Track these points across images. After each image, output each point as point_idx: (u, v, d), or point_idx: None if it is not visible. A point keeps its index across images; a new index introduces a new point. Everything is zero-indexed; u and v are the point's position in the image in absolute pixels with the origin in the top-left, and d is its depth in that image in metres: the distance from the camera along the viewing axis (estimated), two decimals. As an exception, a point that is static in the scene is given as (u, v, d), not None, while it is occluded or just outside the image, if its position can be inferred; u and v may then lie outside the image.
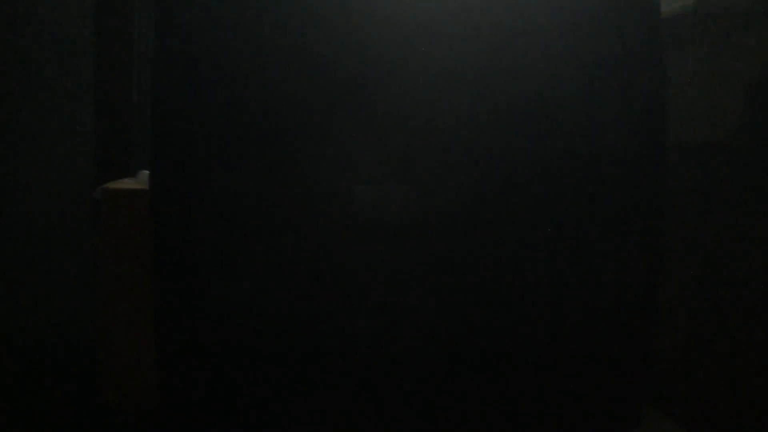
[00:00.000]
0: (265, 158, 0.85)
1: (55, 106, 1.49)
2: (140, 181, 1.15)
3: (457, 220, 0.88)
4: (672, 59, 1.13)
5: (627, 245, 0.93)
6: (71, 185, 1.49)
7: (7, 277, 1.46)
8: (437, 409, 0.90)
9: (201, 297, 0.86)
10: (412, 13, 0.86)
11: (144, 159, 1.49)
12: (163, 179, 0.86)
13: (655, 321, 0.97)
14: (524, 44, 0.88)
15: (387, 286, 0.88)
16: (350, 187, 0.86)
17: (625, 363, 0.95)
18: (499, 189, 0.89)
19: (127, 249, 1.08)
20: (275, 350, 0.88)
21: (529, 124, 0.89)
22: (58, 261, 1.48)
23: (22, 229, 1.47)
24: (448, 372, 0.90)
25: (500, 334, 0.90)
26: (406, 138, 0.87)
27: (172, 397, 0.89)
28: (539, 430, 0.93)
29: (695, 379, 1.11)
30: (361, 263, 0.88)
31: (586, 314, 0.92)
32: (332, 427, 0.89)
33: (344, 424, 0.89)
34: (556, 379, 0.92)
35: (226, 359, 0.88)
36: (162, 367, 0.88)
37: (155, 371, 0.88)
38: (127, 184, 1.13)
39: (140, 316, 1.06)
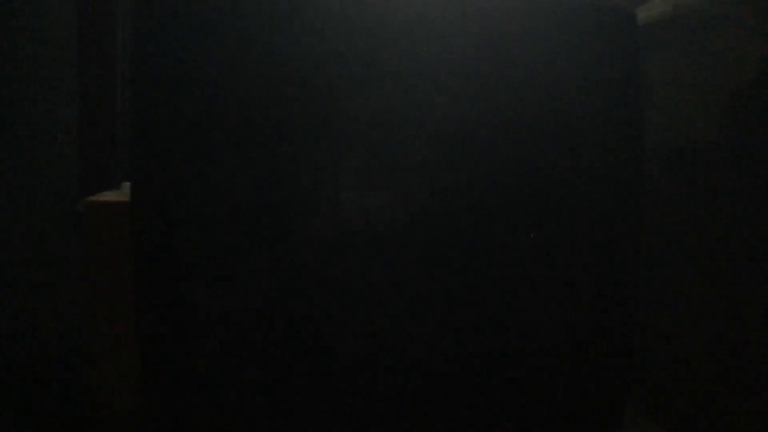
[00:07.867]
0: (247, 170, 0.86)
1: (37, 117, 1.49)
2: (123, 193, 1.15)
3: (439, 226, 0.89)
4: (649, 65, 1.14)
5: (608, 249, 0.94)
6: (54, 198, 1.49)
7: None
8: (420, 412, 0.91)
9: (182, 306, 0.87)
10: (393, 21, 0.86)
11: (128, 170, 1.49)
12: (144, 190, 0.86)
13: (638, 324, 0.98)
14: (502, 53, 0.89)
15: (370, 293, 0.89)
16: (335, 195, 0.87)
17: (608, 365, 0.95)
18: (481, 195, 0.89)
19: (110, 260, 1.08)
20: (258, 358, 0.88)
21: (508, 133, 0.89)
22: (42, 273, 1.48)
23: (6, 241, 1.47)
24: (431, 374, 0.91)
25: (483, 337, 0.91)
26: (389, 145, 0.87)
27: (155, 404, 0.89)
28: (521, 430, 0.94)
29: (677, 382, 1.13)
30: (346, 270, 0.88)
31: (569, 317, 0.93)
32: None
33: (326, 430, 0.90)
34: (538, 380, 0.93)
35: (209, 366, 0.88)
36: (146, 374, 0.88)
37: (139, 378, 0.88)
38: (110, 196, 1.13)
39: (125, 326, 1.07)
